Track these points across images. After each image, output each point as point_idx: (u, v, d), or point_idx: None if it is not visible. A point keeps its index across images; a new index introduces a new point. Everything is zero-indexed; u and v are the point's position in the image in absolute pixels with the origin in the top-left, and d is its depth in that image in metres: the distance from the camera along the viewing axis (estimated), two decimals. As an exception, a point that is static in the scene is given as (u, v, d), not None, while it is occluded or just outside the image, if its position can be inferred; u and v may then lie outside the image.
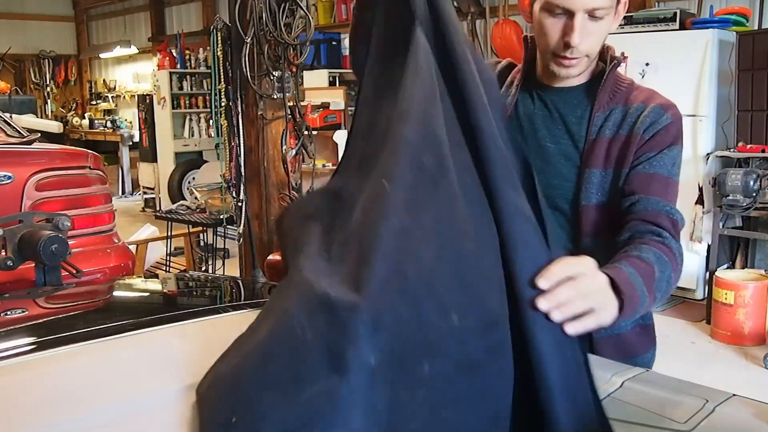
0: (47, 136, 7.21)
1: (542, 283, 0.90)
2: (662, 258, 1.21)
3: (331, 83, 6.70)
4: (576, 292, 0.94)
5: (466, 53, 0.98)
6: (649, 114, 1.31)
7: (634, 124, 1.32)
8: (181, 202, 5.87)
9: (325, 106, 6.05)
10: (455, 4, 6.58)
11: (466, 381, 0.79)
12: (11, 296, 1.77)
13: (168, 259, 5.23)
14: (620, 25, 5.40)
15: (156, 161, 8.85)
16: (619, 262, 1.15)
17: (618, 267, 1.12)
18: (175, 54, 9.28)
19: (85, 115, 12.11)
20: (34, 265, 1.85)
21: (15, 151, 3.23)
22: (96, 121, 11.30)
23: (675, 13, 4.59)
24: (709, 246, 4.48)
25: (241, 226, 4.08)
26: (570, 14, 1.25)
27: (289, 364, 0.76)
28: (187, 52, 9.47)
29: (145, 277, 3.39)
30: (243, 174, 4.19)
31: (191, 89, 9.06)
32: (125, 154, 10.34)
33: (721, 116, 4.57)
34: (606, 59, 1.39)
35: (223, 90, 4.28)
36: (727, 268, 4.65)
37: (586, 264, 1.02)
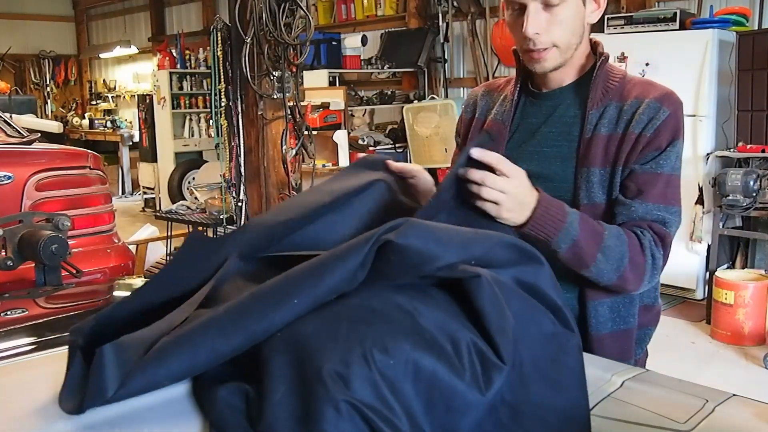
0: (47, 136, 7.20)
1: (475, 153, 1.13)
2: (622, 236, 1.25)
3: (331, 83, 6.69)
4: (501, 183, 1.13)
5: None
6: (644, 111, 1.28)
7: (630, 121, 1.29)
8: (181, 202, 5.88)
9: (325, 106, 6.04)
10: (455, 4, 6.58)
11: None
12: (11, 296, 1.77)
13: (168, 259, 5.23)
14: (620, 25, 5.37)
15: (156, 161, 8.85)
16: (571, 209, 1.24)
17: (560, 202, 1.23)
18: (175, 54, 9.28)
19: (85, 115, 12.11)
20: (34, 265, 1.85)
21: (15, 151, 3.23)
22: (96, 121, 11.30)
23: (675, 13, 4.59)
24: (709, 246, 4.48)
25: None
26: (523, 7, 1.27)
27: None
28: (187, 52, 9.47)
29: (145, 278, 3.38)
30: (243, 174, 4.20)
31: (191, 89, 9.06)
32: (125, 154, 10.34)
33: (721, 116, 4.57)
34: (597, 54, 1.38)
35: (223, 90, 4.29)
36: (727, 268, 4.65)
37: (522, 175, 1.18)
